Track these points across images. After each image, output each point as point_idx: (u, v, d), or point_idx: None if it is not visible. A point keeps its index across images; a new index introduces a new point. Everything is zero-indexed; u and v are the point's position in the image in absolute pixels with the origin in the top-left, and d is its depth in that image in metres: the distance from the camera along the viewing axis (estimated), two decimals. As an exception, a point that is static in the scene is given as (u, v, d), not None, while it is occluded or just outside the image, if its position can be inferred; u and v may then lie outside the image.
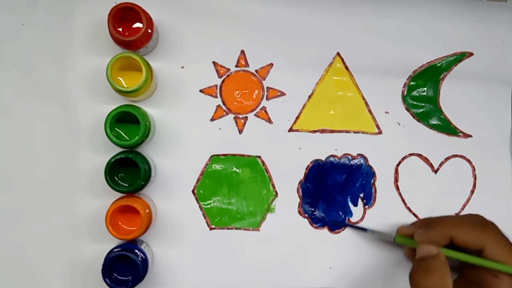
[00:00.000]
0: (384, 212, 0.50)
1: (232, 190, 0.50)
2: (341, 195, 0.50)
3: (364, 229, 0.49)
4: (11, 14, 0.48)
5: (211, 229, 0.49)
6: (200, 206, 0.49)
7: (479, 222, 0.44)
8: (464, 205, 0.51)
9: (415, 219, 0.51)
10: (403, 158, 0.51)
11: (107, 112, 0.45)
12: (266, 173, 0.50)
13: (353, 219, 0.50)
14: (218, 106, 0.50)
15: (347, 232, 0.50)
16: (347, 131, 0.51)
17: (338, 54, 0.51)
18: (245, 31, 0.50)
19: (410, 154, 0.51)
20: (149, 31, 0.46)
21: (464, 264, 0.45)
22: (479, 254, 0.43)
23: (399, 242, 0.47)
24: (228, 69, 0.50)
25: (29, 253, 0.48)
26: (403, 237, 0.47)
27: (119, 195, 0.47)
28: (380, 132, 0.51)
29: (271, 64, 0.50)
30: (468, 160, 0.52)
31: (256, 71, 0.50)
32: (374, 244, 0.50)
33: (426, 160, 0.51)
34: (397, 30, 0.51)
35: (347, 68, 0.51)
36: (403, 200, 0.51)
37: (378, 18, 0.51)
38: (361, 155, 0.51)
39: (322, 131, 0.51)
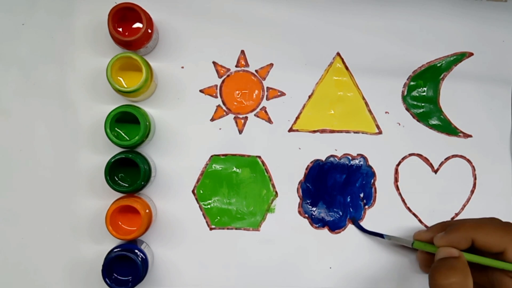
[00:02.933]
0: (384, 212, 0.50)
1: (232, 190, 0.50)
2: (341, 195, 0.50)
3: (380, 235, 0.49)
4: (11, 14, 0.48)
5: (211, 229, 0.49)
6: (200, 206, 0.49)
7: (500, 224, 0.43)
8: (464, 205, 0.51)
9: (415, 219, 0.51)
10: (403, 158, 0.51)
11: (107, 112, 0.45)
12: (266, 173, 0.50)
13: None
14: (218, 106, 0.50)
15: (347, 232, 0.50)
16: (347, 131, 0.51)
17: (338, 54, 0.51)
18: (245, 31, 0.50)
19: (410, 154, 0.51)
20: (149, 31, 0.46)
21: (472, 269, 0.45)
22: (498, 257, 0.42)
23: (417, 247, 0.46)
24: (228, 69, 0.50)
25: (29, 253, 0.48)
26: (421, 242, 0.46)
27: (119, 195, 0.47)
28: (380, 132, 0.51)
29: (271, 64, 0.50)
30: (468, 160, 0.52)
31: (256, 71, 0.50)
32: (374, 244, 0.50)
33: (426, 160, 0.51)
34: (397, 30, 0.51)
35: (347, 68, 0.51)
36: (403, 200, 0.51)
37: (378, 18, 0.51)
38: (361, 155, 0.51)
39: (322, 131, 0.51)
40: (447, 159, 0.51)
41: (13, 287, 0.48)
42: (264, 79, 0.50)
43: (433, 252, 0.44)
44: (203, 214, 0.49)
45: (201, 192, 0.49)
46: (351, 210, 0.50)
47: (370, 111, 0.51)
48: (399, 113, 0.51)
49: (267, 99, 0.50)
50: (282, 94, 0.50)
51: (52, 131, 0.48)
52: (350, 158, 0.51)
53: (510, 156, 0.52)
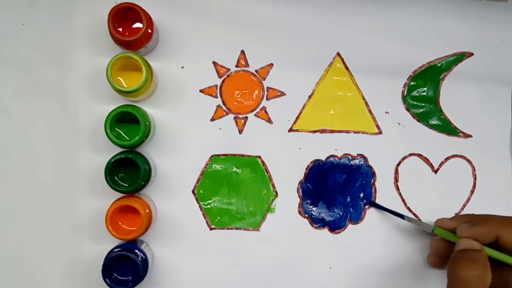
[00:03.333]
0: (384, 212, 0.50)
1: (232, 190, 0.50)
2: (341, 195, 0.50)
3: (401, 216, 0.49)
4: (11, 14, 0.48)
5: (211, 229, 0.49)
6: (200, 206, 0.49)
7: None
8: (464, 205, 0.51)
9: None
10: (403, 158, 0.51)
11: (107, 112, 0.45)
12: (266, 173, 0.50)
13: (354, 219, 0.50)
14: (218, 106, 0.50)
15: (347, 232, 0.50)
16: (347, 131, 0.51)
17: (338, 54, 0.51)
18: (245, 31, 0.50)
19: (410, 154, 0.51)
20: (149, 31, 0.46)
21: None
22: None
23: (437, 233, 0.46)
24: (228, 69, 0.50)
25: (29, 253, 0.48)
26: (443, 229, 0.46)
27: (119, 195, 0.47)
28: (380, 132, 0.51)
29: (271, 64, 0.50)
30: (468, 160, 0.52)
31: (256, 71, 0.50)
32: (374, 244, 0.50)
33: (426, 160, 0.51)
34: (397, 30, 0.51)
35: (347, 68, 0.51)
36: (403, 200, 0.51)
37: (378, 18, 0.51)
38: (361, 155, 0.51)
39: (322, 131, 0.51)
40: (447, 159, 0.51)
41: (13, 287, 0.48)
42: (264, 79, 0.50)
43: (452, 241, 0.44)
44: (203, 214, 0.49)
45: (201, 192, 0.49)
46: (351, 210, 0.50)
47: (370, 111, 0.51)
48: (399, 113, 0.51)
49: (267, 99, 0.50)
50: (282, 94, 0.50)
51: (52, 131, 0.48)
52: (350, 158, 0.51)
53: (510, 156, 0.52)
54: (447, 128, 0.52)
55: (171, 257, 0.49)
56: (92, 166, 0.48)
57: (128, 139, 0.46)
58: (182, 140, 0.49)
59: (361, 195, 0.51)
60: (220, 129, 0.50)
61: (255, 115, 0.50)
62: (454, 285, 0.40)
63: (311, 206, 0.50)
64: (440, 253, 0.48)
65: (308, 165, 0.50)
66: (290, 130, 0.50)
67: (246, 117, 0.50)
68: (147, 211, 0.46)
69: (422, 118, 0.51)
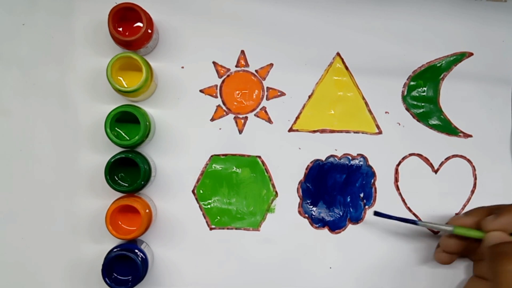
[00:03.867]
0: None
1: (232, 190, 0.50)
2: (341, 195, 0.50)
3: (413, 222, 0.47)
4: (11, 14, 0.48)
5: (211, 229, 0.49)
6: (200, 206, 0.49)
7: None
8: (464, 205, 0.51)
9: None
10: (403, 158, 0.51)
11: (107, 112, 0.45)
12: (266, 173, 0.50)
13: (354, 219, 0.50)
14: (218, 106, 0.50)
15: (347, 232, 0.50)
16: (347, 131, 0.51)
17: (338, 54, 0.51)
18: (245, 31, 0.50)
19: (410, 154, 0.51)
20: (149, 31, 0.46)
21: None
22: None
23: (458, 233, 0.45)
24: (228, 69, 0.50)
25: (29, 253, 0.48)
26: (463, 228, 0.45)
27: (119, 195, 0.47)
28: (380, 132, 0.51)
29: (271, 64, 0.50)
30: (468, 160, 0.52)
31: (256, 71, 0.50)
32: (374, 244, 0.50)
33: (426, 160, 0.51)
34: (397, 30, 0.51)
35: (347, 68, 0.51)
36: (403, 200, 0.51)
37: (378, 18, 0.51)
38: (361, 155, 0.51)
39: (322, 131, 0.51)
40: (447, 159, 0.51)
41: (13, 287, 0.48)
42: (264, 79, 0.50)
43: (477, 238, 0.44)
44: (203, 214, 0.49)
45: (201, 192, 0.49)
46: (351, 210, 0.50)
47: (370, 111, 0.51)
48: (399, 113, 0.51)
49: (267, 99, 0.50)
50: (282, 94, 0.50)
51: (52, 131, 0.48)
52: (350, 158, 0.51)
53: (510, 156, 0.52)
54: (447, 128, 0.52)
55: (171, 257, 0.49)
56: (92, 166, 0.48)
57: (128, 139, 0.46)
58: (182, 140, 0.49)
59: (361, 195, 0.51)
60: (220, 129, 0.50)
61: (255, 115, 0.50)
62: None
63: (311, 206, 0.50)
64: (451, 250, 0.47)
65: (308, 165, 0.50)
66: (290, 130, 0.50)
67: (246, 117, 0.50)
68: (147, 211, 0.46)
69: (422, 118, 0.51)
